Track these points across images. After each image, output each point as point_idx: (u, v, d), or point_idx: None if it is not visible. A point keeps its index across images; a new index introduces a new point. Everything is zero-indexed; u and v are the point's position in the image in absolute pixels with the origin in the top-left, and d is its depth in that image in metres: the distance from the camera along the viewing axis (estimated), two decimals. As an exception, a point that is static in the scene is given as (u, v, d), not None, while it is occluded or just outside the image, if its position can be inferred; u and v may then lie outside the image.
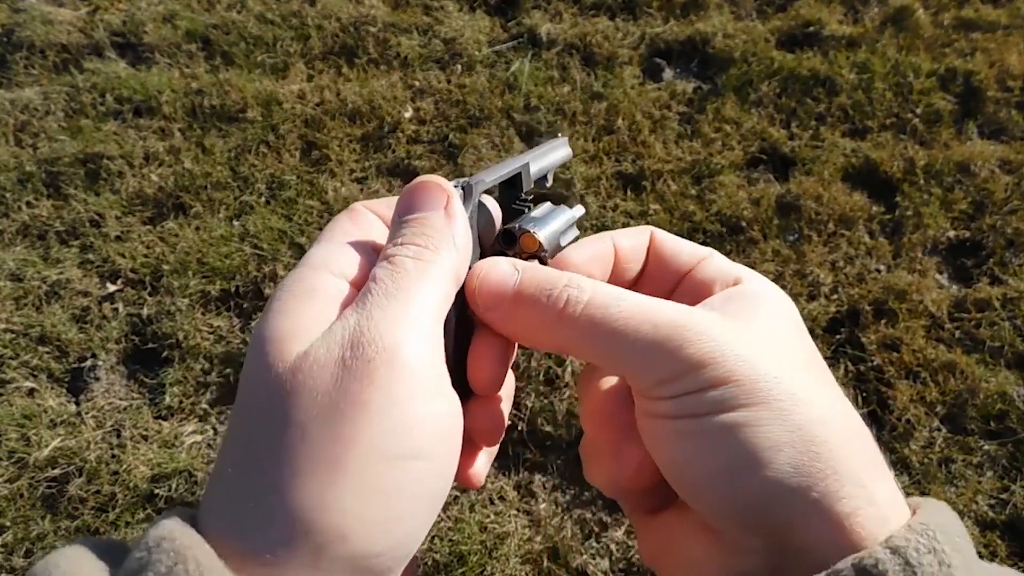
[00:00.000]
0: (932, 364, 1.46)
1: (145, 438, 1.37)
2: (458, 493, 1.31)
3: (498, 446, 0.35)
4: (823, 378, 0.30)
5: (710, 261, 0.34)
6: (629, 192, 1.76)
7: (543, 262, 0.34)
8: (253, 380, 0.26)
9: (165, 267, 1.58)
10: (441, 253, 0.29)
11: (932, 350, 1.48)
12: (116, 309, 1.54)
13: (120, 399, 1.43)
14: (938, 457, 1.35)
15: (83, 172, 1.76)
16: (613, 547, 1.26)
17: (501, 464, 1.36)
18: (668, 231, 0.36)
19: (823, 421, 0.27)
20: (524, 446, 1.37)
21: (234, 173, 1.77)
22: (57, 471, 1.32)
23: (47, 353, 1.47)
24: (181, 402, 1.41)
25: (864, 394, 1.44)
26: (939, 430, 1.38)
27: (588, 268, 0.33)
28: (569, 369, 1.44)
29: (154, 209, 1.70)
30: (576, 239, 0.37)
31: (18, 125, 1.86)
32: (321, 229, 0.33)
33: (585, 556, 1.25)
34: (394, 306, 0.27)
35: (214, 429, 1.40)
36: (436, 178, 0.32)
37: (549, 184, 0.41)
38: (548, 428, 1.38)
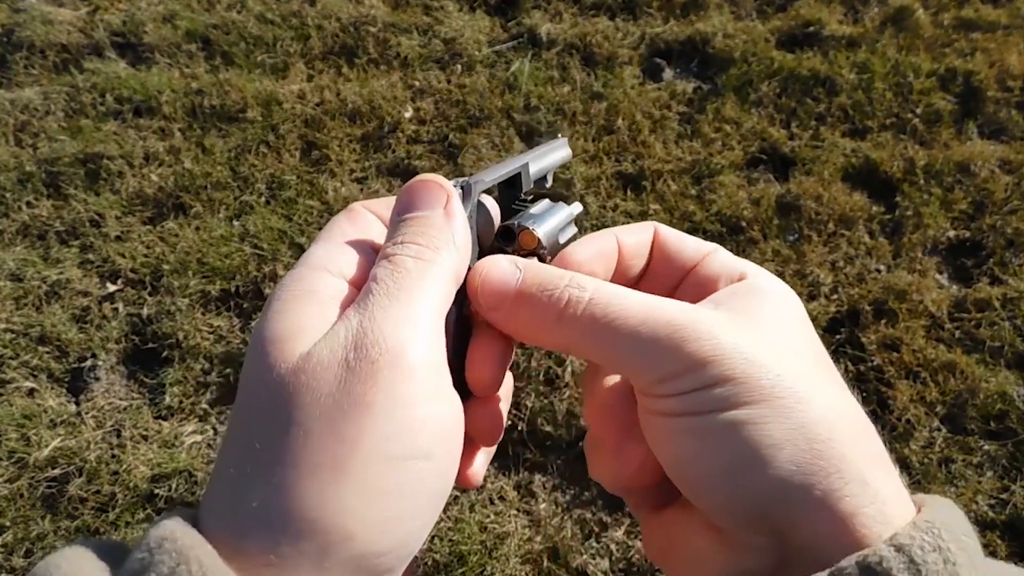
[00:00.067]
0: (932, 364, 1.46)
1: (145, 438, 1.37)
2: (458, 493, 1.31)
3: (496, 446, 0.35)
4: (828, 375, 0.30)
5: (715, 257, 0.34)
6: (629, 192, 1.76)
7: (542, 259, 0.34)
8: (254, 380, 0.26)
9: (165, 267, 1.58)
10: (441, 252, 0.29)
11: (932, 350, 1.48)
12: (116, 309, 1.54)
13: (120, 399, 1.43)
14: (938, 457, 1.35)
15: (83, 172, 1.76)
16: (613, 547, 1.26)
17: (501, 464, 1.36)
18: None
19: (826, 419, 0.27)
20: (524, 446, 1.37)
21: (234, 173, 1.77)
22: (57, 471, 1.32)
23: (47, 353, 1.47)
24: (181, 402, 1.41)
25: (864, 394, 1.44)
26: (939, 430, 1.38)
27: (591, 266, 0.33)
28: (569, 369, 1.44)
29: (154, 209, 1.70)
30: (574, 236, 0.37)
31: (18, 125, 1.86)
32: (321, 229, 0.33)
33: (585, 556, 1.25)
34: (396, 307, 0.27)
35: (214, 429, 1.40)
36: (435, 177, 0.32)
37: (549, 184, 0.41)
38: (548, 428, 1.38)
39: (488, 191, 0.35)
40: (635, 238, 0.35)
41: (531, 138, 1.87)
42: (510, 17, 2.17)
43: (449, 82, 1.98)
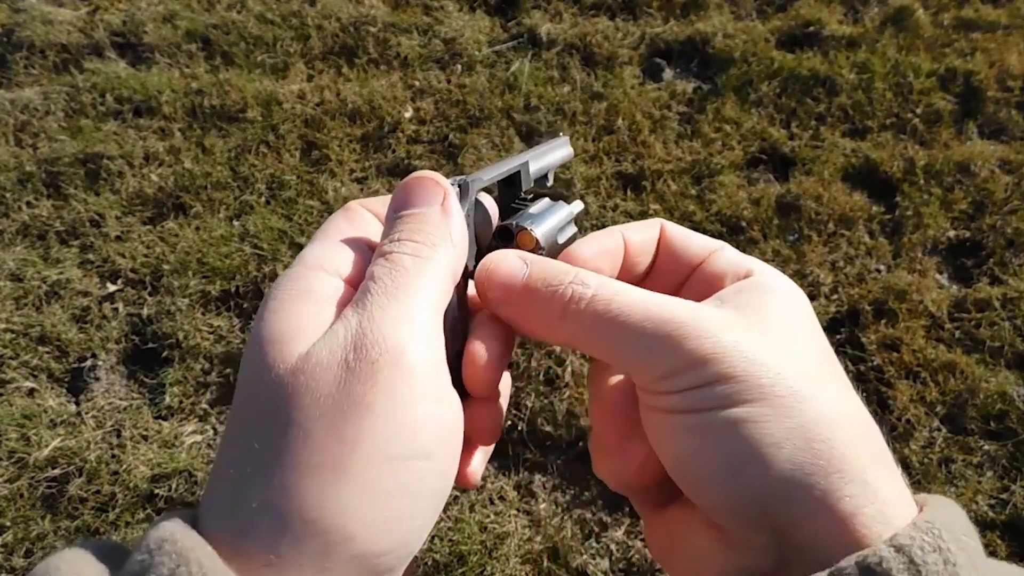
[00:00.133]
0: (932, 364, 1.46)
1: (145, 438, 1.37)
2: (458, 493, 1.31)
3: (494, 445, 0.35)
4: (833, 374, 0.30)
5: (721, 254, 0.34)
6: (629, 192, 1.76)
7: None
8: (253, 381, 0.26)
9: (165, 267, 1.58)
10: (439, 250, 0.29)
11: (932, 350, 1.48)
12: (116, 309, 1.54)
13: (120, 399, 1.43)
14: (938, 457, 1.35)
15: (83, 172, 1.76)
16: (613, 547, 1.26)
17: (501, 464, 1.36)
18: None
19: (827, 418, 0.27)
20: (524, 446, 1.37)
21: (234, 173, 1.77)
22: (57, 471, 1.32)
23: (47, 353, 1.47)
24: (181, 402, 1.41)
25: (864, 394, 1.44)
26: (939, 430, 1.38)
27: (596, 262, 0.33)
28: (569, 369, 1.44)
29: (154, 209, 1.70)
30: (574, 236, 0.37)
31: (18, 125, 1.86)
32: (318, 228, 0.33)
33: (585, 556, 1.25)
34: (395, 306, 0.27)
35: (214, 429, 1.40)
36: (432, 173, 0.31)
37: (550, 183, 0.40)
38: (548, 428, 1.38)
39: (488, 190, 0.35)
40: (641, 235, 0.35)
41: (531, 138, 1.87)
42: (510, 17, 2.17)
43: (449, 82, 1.98)
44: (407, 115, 1.89)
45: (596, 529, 1.28)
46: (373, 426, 0.25)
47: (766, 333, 0.29)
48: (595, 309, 0.29)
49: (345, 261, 0.30)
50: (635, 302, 0.29)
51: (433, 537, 1.26)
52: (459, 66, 2.02)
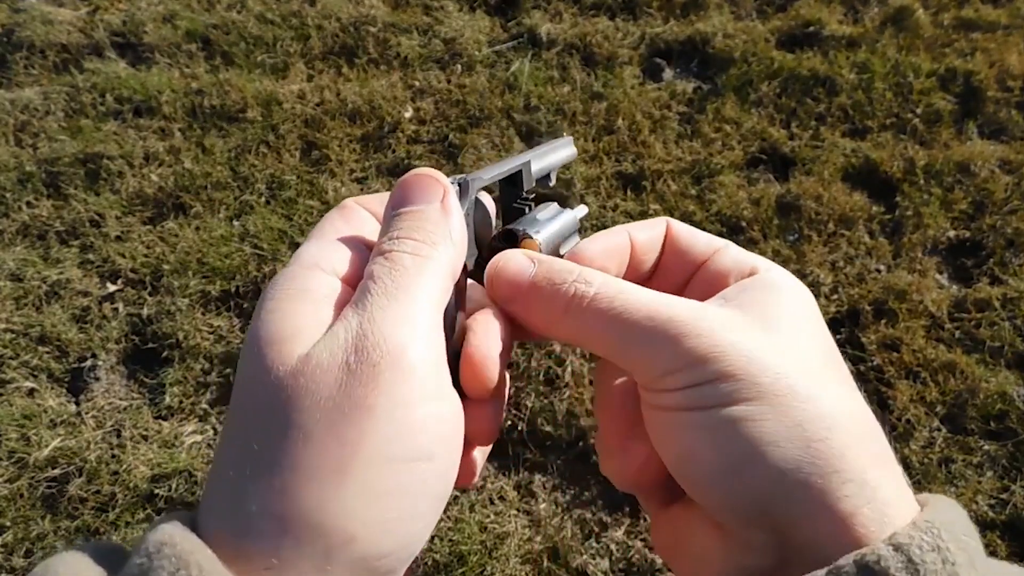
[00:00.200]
0: (932, 364, 1.46)
1: (145, 438, 1.37)
2: (458, 493, 1.31)
3: (492, 445, 0.35)
4: (836, 374, 0.30)
5: (725, 252, 0.34)
6: (629, 192, 1.76)
7: None
8: (251, 382, 0.26)
9: (165, 267, 1.58)
10: (438, 248, 0.29)
11: (932, 350, 1.48)
12: (116, 309, 1.54)
13: (120, 399, 1.43)
14: (938, 457, 1.35)
15: (83, 172, 1.76)
16: (613, 547, 1.26)
17: (501, 464, 1.36)
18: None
19: (826, 417, 0.27)
20: (524, 446, 1.37)
21: (234, 173, 1.77)
22: (57, 471, 1.32)
23: (47, 353, 1.47)
24: (181, 402, 1.41)
25: (864, 394, 1.44)
26: (939, 430, 1.38)
27: (602, 261, 0.33)
28: (569, 369, 1.44)
29: (154, 209, 1.70)
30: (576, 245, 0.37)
31: (18, 125, 1.86)
32: (314, 226, 0.33)
33: (585, 556, 1.25)
34: (395, 306, 0.26)
35: (214, 429, 1.39)
36: (431, 171, 0.31)
37: (552, 183, 0.40)
38: (548, 428, 1.38)
39: (488, 189, 0.35)
40: (647, 234, 0.35)
41: (531, 138, 1.87)
42: (510, 17, 2.17)
43: (449, 82, 1.98)
44: (407, 115, 1.89)
45: (596, 529, 1.28)
46: (374, 428, 0.24)
47: (768, 331, 0.29)
48: (598, 307, 0.29)
49: (342, 260, 0.29)
50: (637, 300, 0.29)
51: (433, 537, 1.26)
52: (459, 66, 2.02)
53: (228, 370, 1.46)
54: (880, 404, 1.43)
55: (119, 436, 1.37)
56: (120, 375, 1.47)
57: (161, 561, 0.22)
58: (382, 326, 0.26)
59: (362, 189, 1.74)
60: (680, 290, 0.34)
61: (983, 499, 1.30)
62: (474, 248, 0.34)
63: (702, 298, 0.31)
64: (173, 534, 0.23)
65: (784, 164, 1.84)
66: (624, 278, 0.33)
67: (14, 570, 1.23)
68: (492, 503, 1.31)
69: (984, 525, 1.28)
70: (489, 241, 0.35)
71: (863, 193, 1.76)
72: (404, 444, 0.25)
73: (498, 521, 1.28)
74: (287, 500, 0.23)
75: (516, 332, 0.33)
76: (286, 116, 1.86)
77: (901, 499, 0.27)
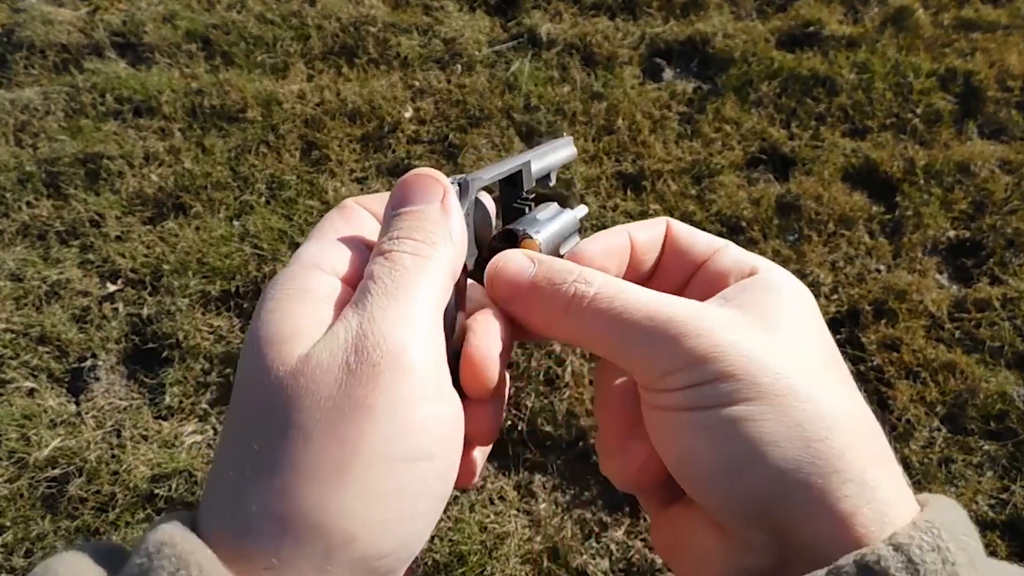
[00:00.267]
0: (932, 364, 1.46)
1: (145, 438, 1.37)
2: (458, 493, 1.31)
3: (492, 444, 0.35)
4: (836, 374, 0.30)
5: (725, 252, 0.34)
6: (629, 192, 1.76)
7: None
8: (252, 382, 0.26)
9: (165, 267, 1.58)
10: (438, 248, 0.29)
11: (932, 350, 1.48)
12: (116, 309, 1.54)
13: (120, 399, 1.43)
14: (938, 457, 1.35)
15: (83, 172, 1.76)
16: (613, 547, 1.26)
17: (501, 464, 1.36)
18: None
19: (826, 417, 0.27)
20: (524, 446, 1.37)
21: (234, 173, 1.77)
22: (57, 471, 1.32)
23: (47, 353, 1.47)
24: (181, 402, 1.41)
25: (864, 394, 1.44)
26: (939, 430, 1.38)
27: (602, 261, 0.34)
28: (569, 369, 1.44)
29: (154, 209, 1.70)
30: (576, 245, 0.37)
31: (18, 125, 1.86)
32: (313, 226, 0.33)
33: (585, 556, 1.25)
34: (395, 307, 0.26)
35: (214, 429, 1.39)
36: (431, 171, 0.31)
37: (552, 183, 0.40)
38: (548, 428, 1.38)
39: (488, 189, 0.35)
40: (647, 234, 0.35)
41: (531, 138, 1.87)
42: (510, 17, 2.17)
43: (449, 82, 1.98)
44: (407, 115, 1.89)
45: (596, 529, 1.28)
46: (374, 428, 0.24)
47: (768, 331, 0.29)
48: (597, 307, 0.29)
49: (342, 260, 0.29)
50: (637, 301, 0.29)
51: (433, 537, 1.26)
52: (459, 66, 2.02)
53: (228, 370, 1.46)
54: (880, 404, 1.43)
55: (119, 436, 1.37)
56: (120, 375, 1.47)
57: (161, 561, 0.22)
58: (382, 326, 0.26)
59: (362, 189, 1.74)
60: (680, 290, 0.34)
61: (983, 499, 1.30)
62: (474, 248, 0.34)
63: (702, 298, 0.31)
64: (173, 534, 0.23)
65: (784, 164, 1.84)
66: (624, 278, 0.33)
67: (14, 570, 1.23)
68: (492, 503, 1.31)
69: (984, 525, 1.28)
70: (489, 241, 0.35)
71: (863, 193, 1.76)
72: (404, 444, 0.25)
73: (498, 521, 1.28)
74: (287, 500, 0.23)
75: (516, 332, 0.33)
76: (286, 116, 1.86)
77: (901, 499, 0.27)
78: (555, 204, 0.38)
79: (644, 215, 1.70)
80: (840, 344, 1.52)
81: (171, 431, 1.38)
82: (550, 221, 0.36)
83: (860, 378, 1.47)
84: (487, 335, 0.31)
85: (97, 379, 1.45)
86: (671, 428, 0.28)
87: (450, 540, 1.26)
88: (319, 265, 0.29)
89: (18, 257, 1.60)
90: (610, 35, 2.10)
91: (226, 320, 1.53)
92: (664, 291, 0.30)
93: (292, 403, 0.24)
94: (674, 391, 0.28)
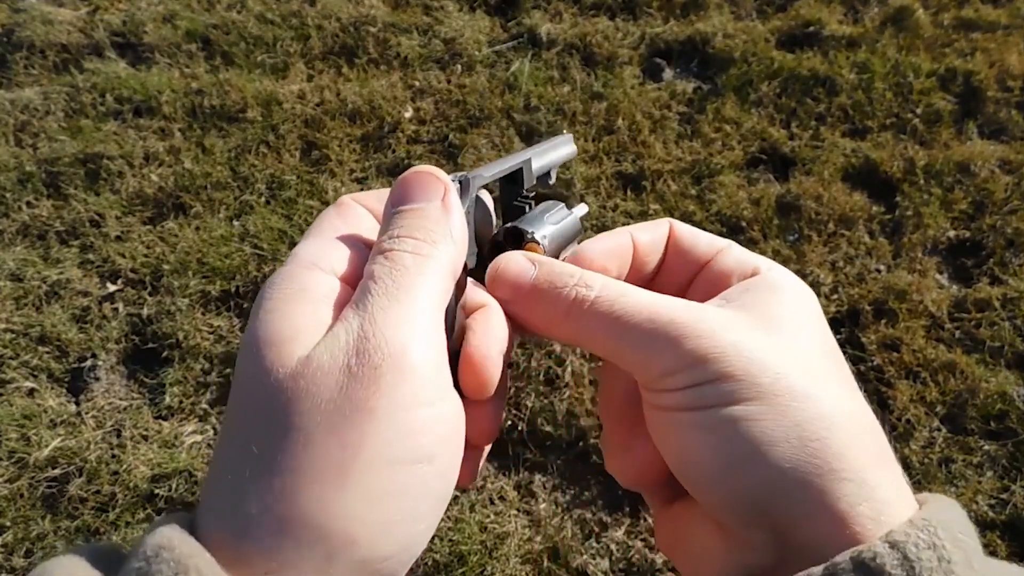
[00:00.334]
0: (932, 364, 1.46)
1: (145, 438, 1.37)
2: (458, 493, 1.31)
3: (491, 444, 0.35)
4: (837, 374, 0.30)
5: (728, 252, 0.34)
6: (629, 192, 1.76)
7: None
8: (251, 383, 0.25)
9: (165, 267, 1.58)
10: (439, 246, 0.29)
11: (932, 350, 1.48)
12: (116, 309, 1.54)
13: (120, 399, 1.43)
14: (938, 457, 1.35)
15: (83, 172, 1.76)
16: (613, 547, 1.26)
17: (501, 464, 1.36)
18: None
19: (825, 417, 0.27)
20: (524, 446, 1.37)
21: (234, 173, 1.77)
22: (57, 471, 1.32)
23: (47, 353, 1.47)
24: (181, 402, 1.41)
25: (864, 394, 1.44)
26: (939, 430, 1.38)
27: (604, 263, 0.34)
28: (569, 369, 1.44)
29: (154, 209, 1.70)
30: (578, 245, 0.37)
31: (18, 125, 1.86)
32: (310, 225, 0.33)
33: (585, 556, 1.25)
34: (396, 307, 0.26)
35: (214, 429, 1.39)
36: (431, 168, 0.31)
37: (552, 181, 0.40)
38: (548, 428, 1.38)
39: (488, 187, 0.35)
40: (650, 235, 0.35)
41: (531, 138, 1.87)
42: (510, 17, 2.17)
43: (449, 82, 1.98)
44: (407, 115, 1.89)
45: (596, 529, 1.28)
46: (375, 431, 0.24)
47: (769, 332, 0.29)
48: (598, 310, 0.29)
49: (340, 259, 0.29)
50: (638, 303, 0.29)
51: (433, 537, 1.26)
52: (459, 66, 2.02)
53: (228, 370, 1.46)
54: (880, 404, 1.43)
55: (119, 436, 1.37)
56: (120, 375, 1.47)
57: (159, 565, 0.21)
58: (383, 327, 0.25)
59: (362, 189, 1.74)
60: (683, 290, 0.34)
61: (983, 499, 1.30)
62: (474, 246, 0.34)
63: (705, 298, 0.31)
64: (172, 537, 0.22)
65: (784, 164, 1.84)
66: (627, 279, 0.33)
67: (14, 570, 1.23)
68: (492, 503, 1.31)
69: (984, 525, 1.28)
70: (493, 239, 0.35)
71: (863, 193, 1.76)
72: (405, 446, 0.25)
73: (498, 521, 1.28)
74: (288, 502, 0.23)
75: (516, 331, 0.33)
76: (286, 116, 1.86)
77: (900, 499, 0.27)
78: (558, 202, 0.38)
79: (644, 215, 1.70)
80: (840, 344, 1.51)
81: (171, 431, 1.38)
82: (553, 221, 0.36)
83: (860, 378, 1.47)
84: (487, 335, 0.31)
85: (97, 379, 1.45)
86: (672, 428, 0.28)
87: (450, 540, 1.26)
88: (317, 264, 0.28)
89: (18, 257, 1.60)
90: (610, 35, 2.10)
91: (226, 320, 1.53)
92: (667, 292, 0.30)
93: (292, 406, 0.24)
94: (675, 391, 0.28)
